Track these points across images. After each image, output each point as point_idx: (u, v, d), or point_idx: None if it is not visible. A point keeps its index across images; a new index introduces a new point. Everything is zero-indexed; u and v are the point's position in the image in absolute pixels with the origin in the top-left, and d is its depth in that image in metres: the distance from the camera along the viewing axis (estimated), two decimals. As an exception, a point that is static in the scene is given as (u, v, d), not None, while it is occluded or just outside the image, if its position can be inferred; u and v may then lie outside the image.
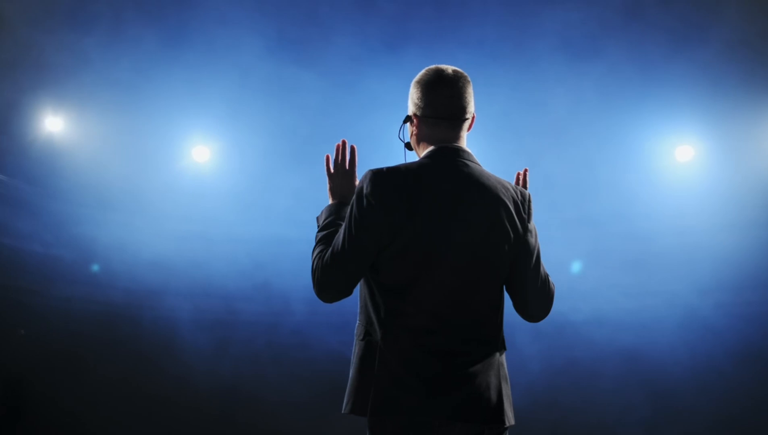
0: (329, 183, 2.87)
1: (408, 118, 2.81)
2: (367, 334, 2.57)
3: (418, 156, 2.77)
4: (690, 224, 6.94)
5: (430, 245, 2.53)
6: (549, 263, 2.78)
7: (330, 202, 2.85)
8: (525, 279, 2.67)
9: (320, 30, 6.21)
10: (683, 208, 6.90)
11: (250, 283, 7.09)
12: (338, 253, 2.57)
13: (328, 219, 2.76)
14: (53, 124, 6.52)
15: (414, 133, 2.79)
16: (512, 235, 2.63)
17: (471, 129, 2.80)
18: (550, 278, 2.75)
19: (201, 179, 6.88)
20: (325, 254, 2.62)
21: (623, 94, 6.52)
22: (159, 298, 7.07)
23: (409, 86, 2.80)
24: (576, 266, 7.32)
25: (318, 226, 2.78)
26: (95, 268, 6.96)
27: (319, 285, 2.61)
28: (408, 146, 2.84)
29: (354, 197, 2.61)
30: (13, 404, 6.91)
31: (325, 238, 2.69)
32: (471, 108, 2.76)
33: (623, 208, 7.02)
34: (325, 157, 2.89)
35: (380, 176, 2.57)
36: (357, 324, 2.64)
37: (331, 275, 2.58)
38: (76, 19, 6.01)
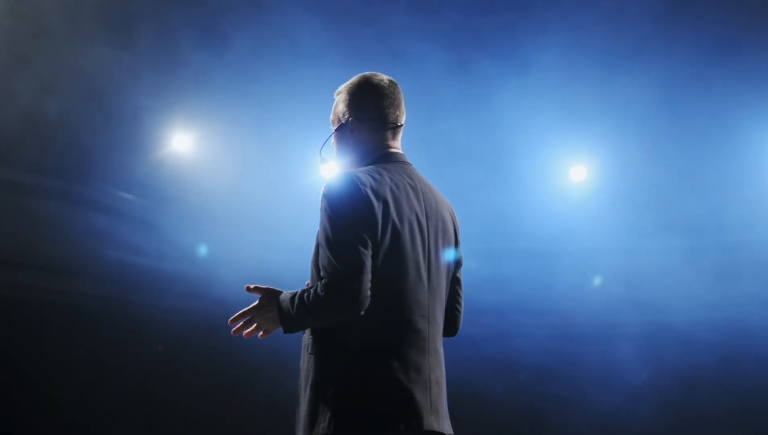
0: (261, 315, 2.58)
1: (342, 125, 2.71)
2: (341, 351, 2.46)
3: (349, 164, 2.68)
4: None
5: (405, 250, 2.51)
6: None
7: (280, 311, 2.53)
8: (460, 287, 2.76)
9: (387, 37, 6.27)
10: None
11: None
12: (345, 257, 2.40)
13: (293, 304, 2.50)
14: (181, 142, 6.72)
15: (348, 140, 2.69)
16: (455, 242, 2.70)
17: None
18: None
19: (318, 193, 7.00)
20: (328, 279, 2.42)
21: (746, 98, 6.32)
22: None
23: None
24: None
25: (293, 312, 2.49)
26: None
27: (338, 297, 2.39)
28: (324, 163, 2.77)
29: (335, 202, 2.48)
30: (152, 418, 7.15)
31: (301, 301, 2.46)
32: (404, 116, 2.75)
33: (723, 214, 6.84)
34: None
35: (357, 177, 2.49)
36: (321, 342, 2.50)
37: (350, 281, 2.39)
38: (205, 38, 6.23)
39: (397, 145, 2.72)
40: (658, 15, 6.10)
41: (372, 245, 2.44)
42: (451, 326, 2.75)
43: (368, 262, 2.42)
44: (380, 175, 2.55)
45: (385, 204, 2.49)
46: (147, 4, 6.26)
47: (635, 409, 7.16)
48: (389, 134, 2.70)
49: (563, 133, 6.65)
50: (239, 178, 6.87)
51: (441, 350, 2.59)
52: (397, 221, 2.50)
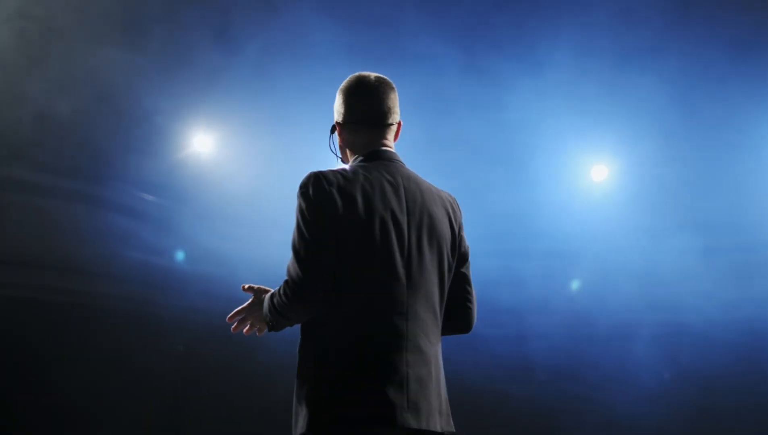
0: (252, 314, 2.74)
1: (333, 128, 2.81)
2: (315, 353, 2.51)
3: (343, 165, 2.78)
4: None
5: (374, 248, 2.51)
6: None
7: (263, 310, 2.67)
8: (466, 282, 2.73)
9: (399, 38, 6.28)
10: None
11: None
12: (303, 257, 2.47)
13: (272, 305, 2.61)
14: (200, 143, 6.78)
15: (339, 142, 2.80)
16: (451, 237, 2.66)
17: (398, 137, 2.79)
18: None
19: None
20: (287, 278, 2.52)
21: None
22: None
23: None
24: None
25: (269, 313, 2.62)
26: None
27: (295, 298, 2.49)
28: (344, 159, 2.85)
29: (301, 202, 2.55)
30: (173, 419, 7.19)
31: (272, 302, 2.60)
32: (394, 114, 2.75)
33: (740, 212, 6.81)
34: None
35: (324, 177, 2.55)
36: (302, 344, 2.57)
37: (305, 281, 2.46)
38: (218, 39, 6.27)
39: (385, 143, 2.73)
40: (670, 12, 6.08)
41: (333, 245, 2.48)
42: (462, 322, 2.75)
43: (324, 262, 2.46)
44: (354, 173, 2.60)
45: (352, 202, 2.52)
46: (158, 5, 6.27)
47: (652, 410, 7.14)
48: (374, 133, 2.73)
49: (579, 132, 6.64)
50: (258, 178, 6.90)
51: (427, 347, 2.53)
52: (365, 219, 2.51)
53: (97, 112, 6.30)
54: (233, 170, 6.86)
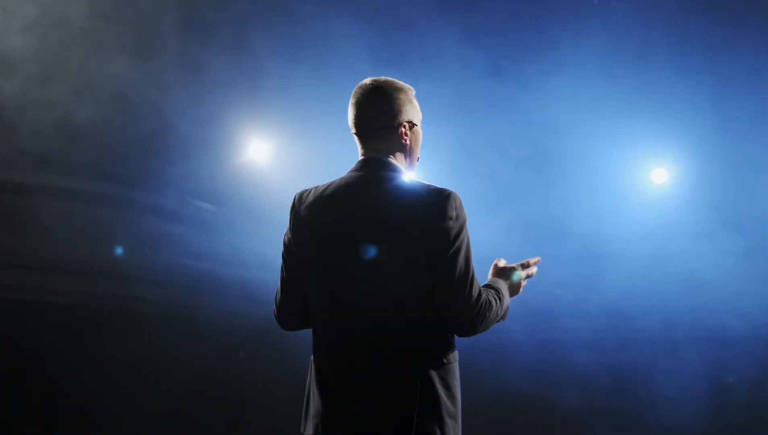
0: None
1: None
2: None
3: None
4: None
5: (328, 263, 2.58)
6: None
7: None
8: (447, 284, 2.51)
9: (424, 40, 6.29)
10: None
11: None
12: (279, 291, 2.79)
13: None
14: (258, 151, 6.85)
15: None
16: (418, 239, 2.49)
17: (403, 140, 2.68)
18: (479, 286, 2.58)
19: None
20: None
21: None
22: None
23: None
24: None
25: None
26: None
27: (279, 323, 2.84)
28: None
29: None
30: (235, 421, 7.29)
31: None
32: (382, 119, 2.65)
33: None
34: None
35: (294, 203, 2.74)
36: None
37: (278, 308, 2.79)
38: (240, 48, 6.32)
39: (367, 152, 2.69)
40: (694, 6, 6.05)
41: (291, 262, 2.71)
42: (454, 328, 2.59)
43: (285, 282, 2.73)
44: (318, 187, 2.72)
45: (303, 234, 2.66)
46: (176, 12, 6.29)
47: (696, 414, 7.05)
48: (361, 141, 2.72)
49: (615, 134, 6.58)
50: (301, 182, 6.88)
51: (393, 356, 2.50)
52: (307, 248, 2.64)
53: (129, 117, 6.33)
54: (276, 175, 6.88)
